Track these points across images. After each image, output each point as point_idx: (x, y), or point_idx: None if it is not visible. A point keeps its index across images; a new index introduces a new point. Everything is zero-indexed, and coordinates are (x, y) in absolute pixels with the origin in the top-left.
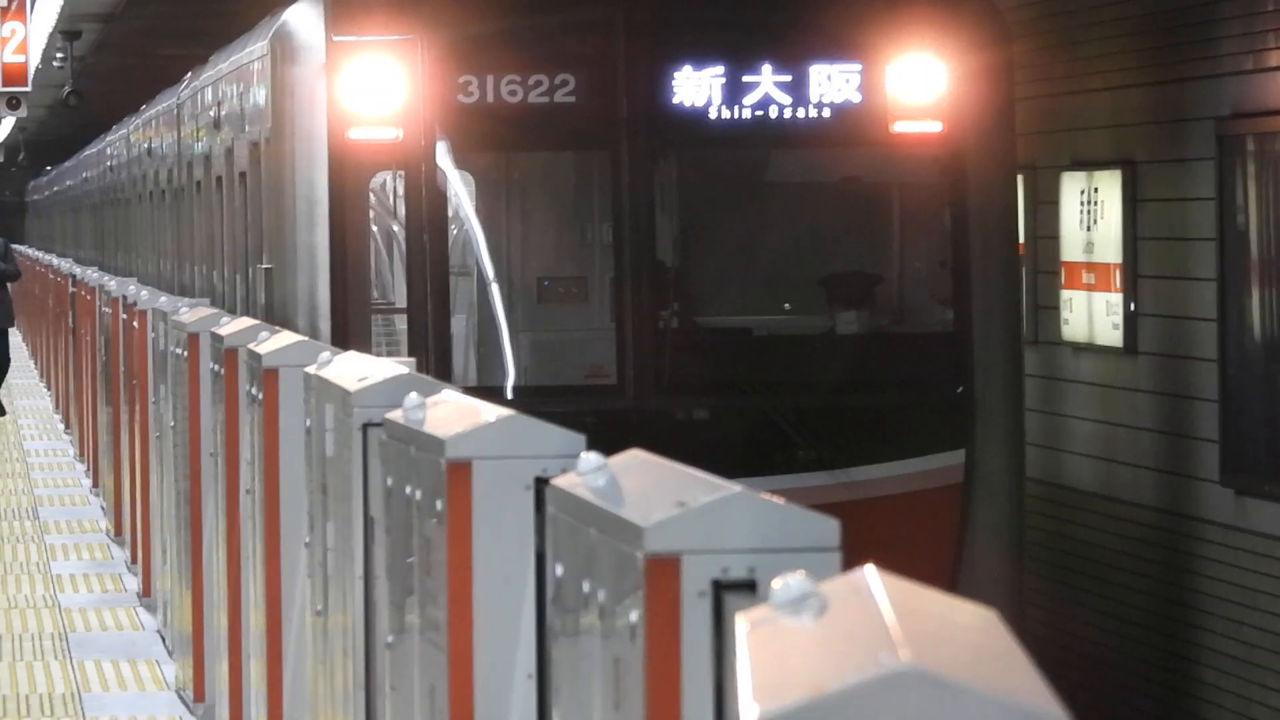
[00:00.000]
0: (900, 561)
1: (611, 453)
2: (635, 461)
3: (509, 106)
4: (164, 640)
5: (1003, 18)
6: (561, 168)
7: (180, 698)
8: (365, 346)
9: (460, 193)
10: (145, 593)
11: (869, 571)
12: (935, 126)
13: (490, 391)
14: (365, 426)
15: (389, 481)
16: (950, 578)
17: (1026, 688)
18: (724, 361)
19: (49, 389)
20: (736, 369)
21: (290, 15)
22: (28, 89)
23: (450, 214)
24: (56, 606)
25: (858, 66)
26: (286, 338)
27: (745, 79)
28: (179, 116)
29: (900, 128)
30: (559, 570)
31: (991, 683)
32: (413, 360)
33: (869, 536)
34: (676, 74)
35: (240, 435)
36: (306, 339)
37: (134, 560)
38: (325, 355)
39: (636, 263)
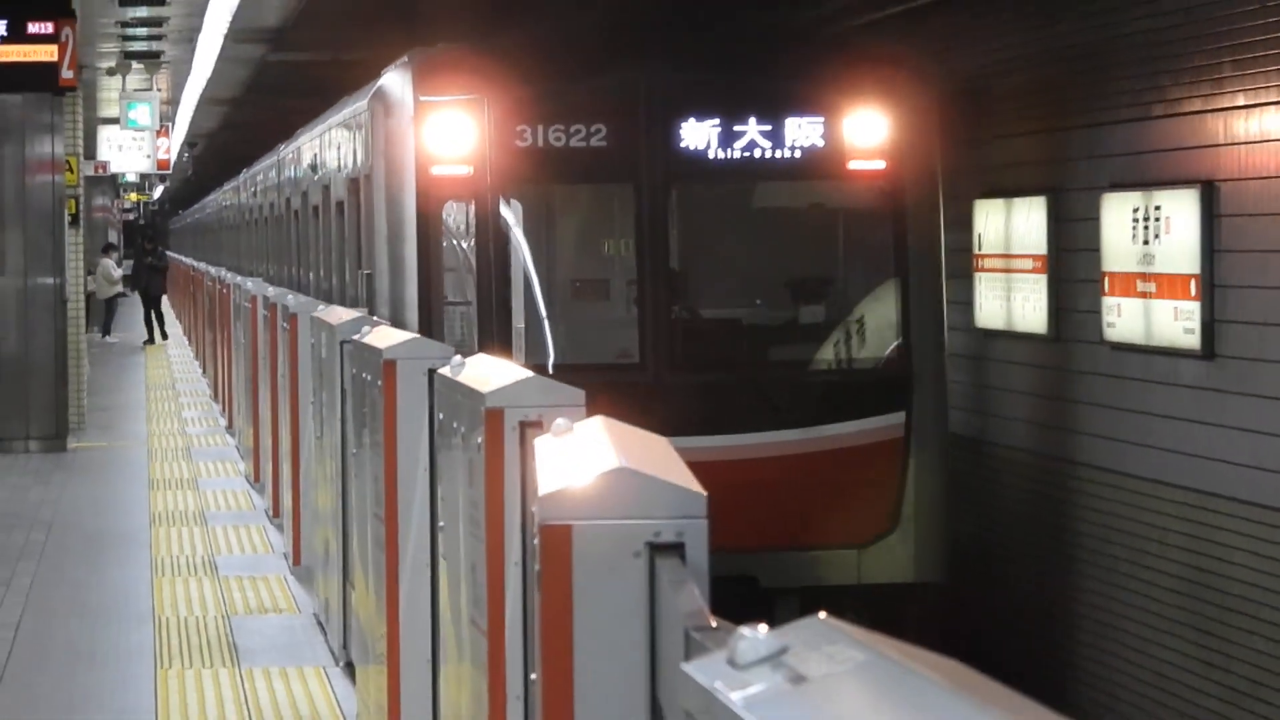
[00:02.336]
0: (858, 493)
1: (635, 417)
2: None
3: (554, 149)
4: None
5: (931, 80)
6: (594, 196)
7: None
8: (440, 333)
9: (516, 216)
10: (274, 514)
11: (601, 419)
12: (880, 164)
13: (538, 368)
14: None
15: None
16: (897, 504)
17: (678, 472)
18: (721, 345)
19: (205, 372)
20: (731, 350)
21: (385, 80)
22: (170, 171)
23: (508, 232)
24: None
25: (821, 118)
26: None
27: (736, 128)
28: (295, 160)
29: (854, 165)
30: (440, 416)
31: (660, 470)
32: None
33: (833, 476)
34: (684, 124)
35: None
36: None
37: (256, 478)
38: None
39: (654, 269)
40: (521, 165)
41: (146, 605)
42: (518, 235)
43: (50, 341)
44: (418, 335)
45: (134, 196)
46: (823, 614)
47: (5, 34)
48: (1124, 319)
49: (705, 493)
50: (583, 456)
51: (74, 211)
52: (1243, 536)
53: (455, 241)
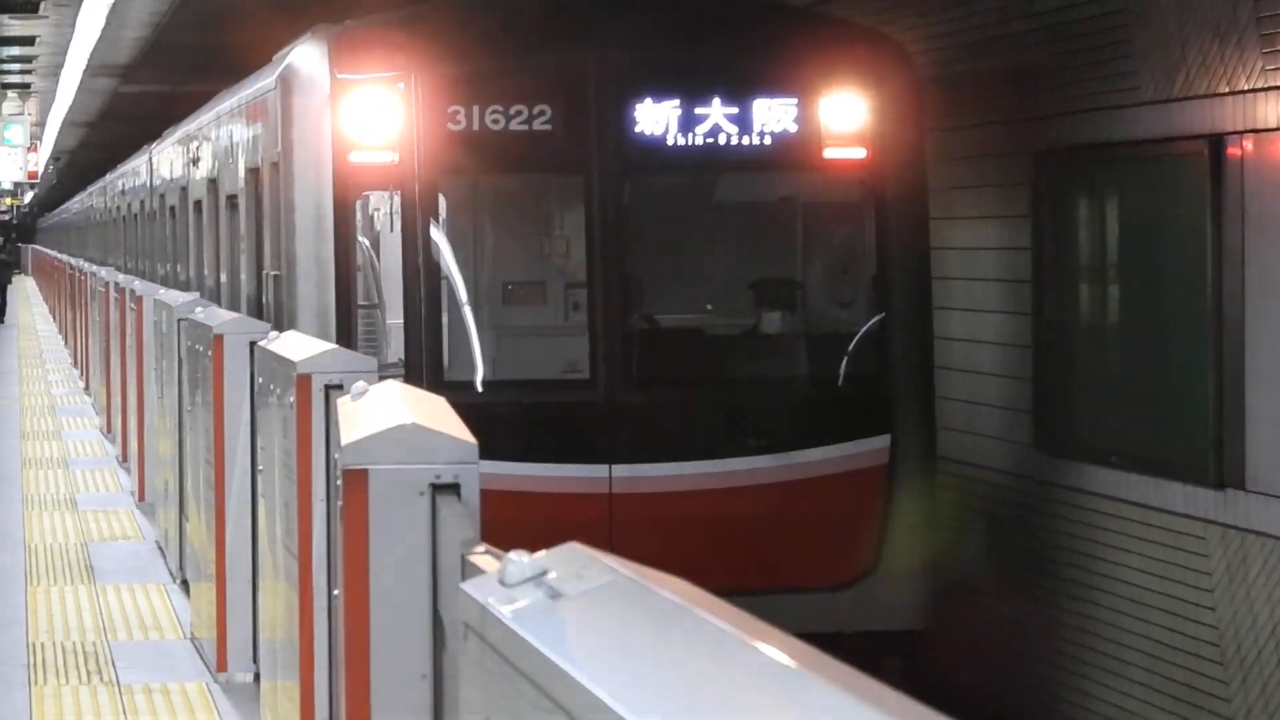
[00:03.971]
0: (836, 529)
1: (586, 440)
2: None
3: (492, 134)
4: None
5: (912, 61)
6: (538, 188)
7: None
8: (353, 341)
9: (448, 208)
10: (123, 459)
11: (390, 384)
12: (860, 153)
13: (470, 385)
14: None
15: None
16: (879, 538)
17: (455, 427)
18: (681, 358)
19: (66, 344)
20: (693, 365)
21: (295, 56)
22: (38, 180)
23: (439, 227)
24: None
25: (794, 100)
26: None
27: (698, 110)
28: (170, 157)
29: (830, 154)
30: (259, 380)
31: (439, 425)
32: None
33: (808, 509)
34: (639, 106)
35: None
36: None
37: (109, 430)
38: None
39: (605, 272)
40: (455, 152)
41: (19, 534)
42: (449, 231)
43: None
44: (241, 315)
45: (8, 201)
46: (575, 542)
47: None
48: None
49: (476, 441)
50: (376, 414)
51: None
52: None
53: (377, 238)
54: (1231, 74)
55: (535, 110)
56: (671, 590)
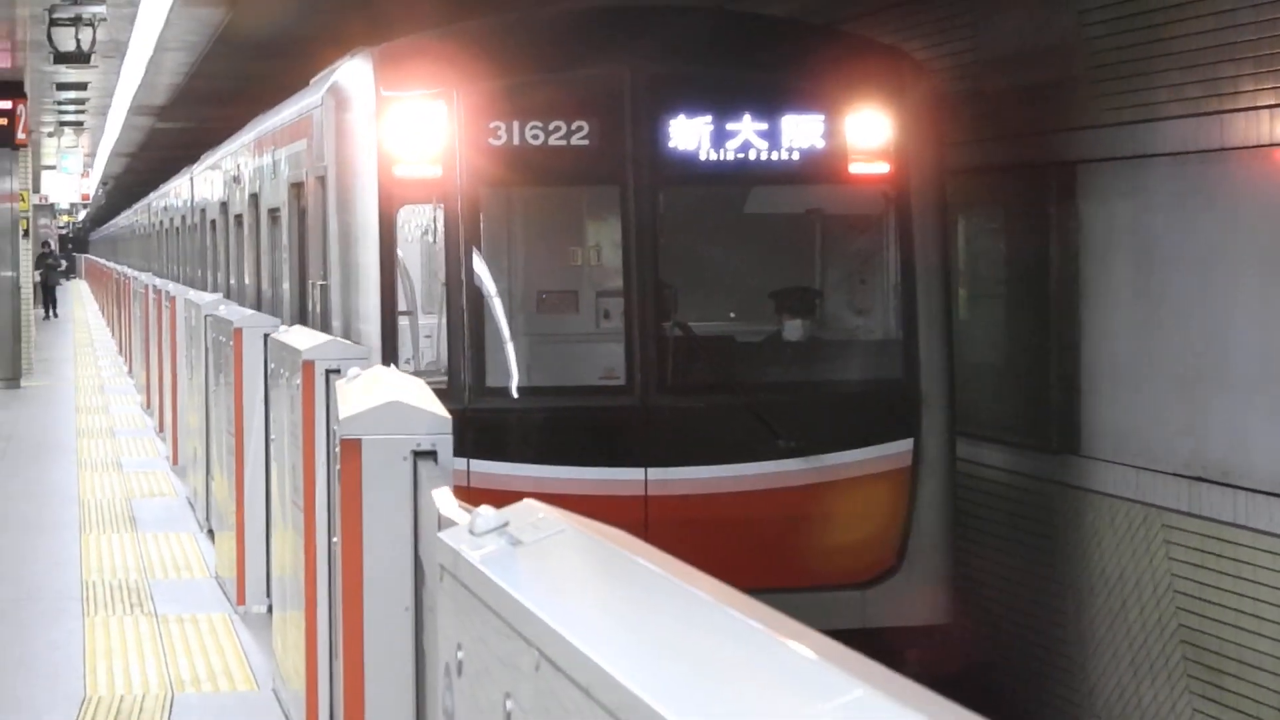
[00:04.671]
0: (863, 528)
1: (622, 445)
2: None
3: (532, 148)
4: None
5: (931, 78)
6: (575, 200)
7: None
8: (396, 345)
9: (489, 220)
10: (160, 429)
11: (378, 369)
12: (884, 168)
13: (510, 391)
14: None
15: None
16: (903, 537)
17: (432, 404)
18: (715, 365)
19: (113, 335)
20: (726, 371)
21: (342, 74)
22: (90, 201)
23: (481, 238)
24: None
25: (821, 117)
26: (254, 314)
27: (729, 126)
28: (224, 169)
29: (856, 168)
30: (272, 365)
31: (419, 402)
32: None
33: (836, 509)
34: (673, 121)
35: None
36: (268, 317)
37: (148, 405)
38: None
39: (641, 281)
40: (496, 165)
41: (74, 491)
42: (490, 242)
43: (9, 316)
44: (257, 312)
45: (65, 218)
46: (530, 499)
47: None
48: None
49: (450, 415)
50: (367, 393)
51: (26, 228)
52: None
53: (422, 249)
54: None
55: (573, 125)
56: (613, 540)
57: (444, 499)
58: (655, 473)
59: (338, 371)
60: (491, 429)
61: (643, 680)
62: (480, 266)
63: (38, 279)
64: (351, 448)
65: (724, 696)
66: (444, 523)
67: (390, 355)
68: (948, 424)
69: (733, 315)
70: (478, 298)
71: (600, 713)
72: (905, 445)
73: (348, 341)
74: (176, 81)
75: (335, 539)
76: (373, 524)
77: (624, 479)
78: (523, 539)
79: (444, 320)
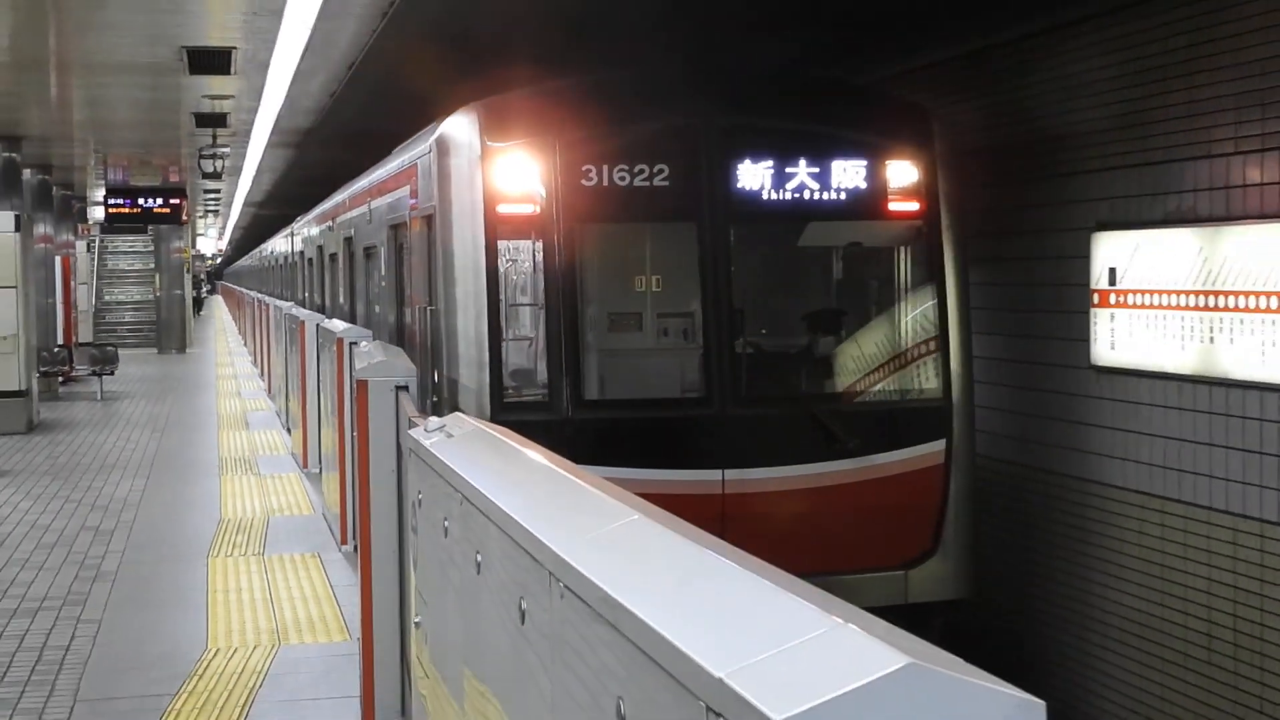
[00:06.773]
0: (905, 517)
1: (702, 450)
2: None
3: (619, 188)
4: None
5: (944, 132)
6: (655, 234)
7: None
8: (502, 362)
9: (583, 251)
10: (268, 391)
11: (375, 341)
12: (915, 206)
13: (604, 404)
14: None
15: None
16: (938, 524)
17: (404, 359)
18: (781, 378)
19: (245, 344)
20: (791, 384)
21: (448, 126)
22: (225, 247)
23: (576, 267)
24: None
25: (864, 163)
26: (349, 327)
27: (787, 169)
28: (354, 205)
29: (893, 207)
30: (319, 341)
31: (400, 360)
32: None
33: (883, 502)
34: (740, 166)
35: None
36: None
37: (255, 363)
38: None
39: (717, 305)
40: (588, 203)
41: (213, 406)
42: (583, 271)
43: (180, 315)
44: (351, 325)
45: (209, 262)
46: (458, 412)
47: (162, 203)
48: None
49: (415, 367)
50: (370, 356)
51: (188, 268)
52: None
53: (522, 277)
54: None
55: (655, 169)
56: (507, 438)
57: (412, 412)
58: (731, 474)
59: (356, 344)
60: (588, 437)
61: (514, 505)
62: (576, 292)
63: (194, 295)
64: (363, 385)
65: (580, 509)
66: (411, 426)
67: (496, 371)
68: (970, 427)
69: (792, 334)
70: (574, 320)
71: (493, 528)
72: (939, 446)
73: (359, 328)
74: (268, 189)
75: (354, 433)
76: (375, 425)
77: (704, 479)
78: (454, 434)
79: (540, 340)
